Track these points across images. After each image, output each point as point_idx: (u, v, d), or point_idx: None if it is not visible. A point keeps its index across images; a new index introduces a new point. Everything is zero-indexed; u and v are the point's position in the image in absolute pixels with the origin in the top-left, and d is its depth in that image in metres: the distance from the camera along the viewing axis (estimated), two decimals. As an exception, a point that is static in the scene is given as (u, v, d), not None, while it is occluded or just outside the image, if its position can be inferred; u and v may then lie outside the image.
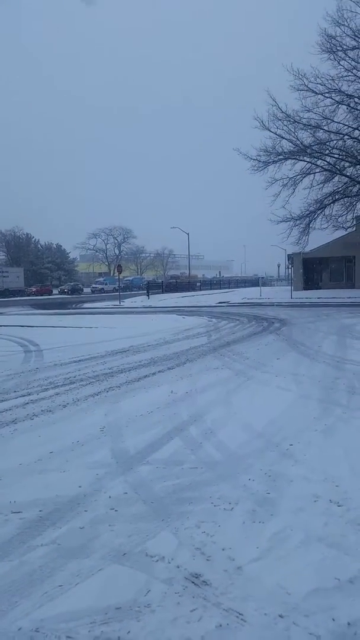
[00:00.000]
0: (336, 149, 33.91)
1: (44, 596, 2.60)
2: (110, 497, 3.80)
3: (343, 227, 35.52)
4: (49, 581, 2.73)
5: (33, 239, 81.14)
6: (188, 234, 60.39)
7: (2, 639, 2.31)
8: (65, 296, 58.90)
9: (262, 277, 72.63)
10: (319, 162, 34.43)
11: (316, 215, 34.92)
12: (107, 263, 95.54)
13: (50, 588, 2.67)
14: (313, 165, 34.42)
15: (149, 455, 4.69)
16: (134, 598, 2.60)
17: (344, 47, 30.79)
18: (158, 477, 4.17)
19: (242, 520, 3.41)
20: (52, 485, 4.01)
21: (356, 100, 31.87)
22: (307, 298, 31.65)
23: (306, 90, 31.85)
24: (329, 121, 32.86)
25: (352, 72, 31.23)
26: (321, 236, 37.19)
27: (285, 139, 33.53)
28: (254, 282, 71.16)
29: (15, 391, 7.63)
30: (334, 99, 32.07)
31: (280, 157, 33.87)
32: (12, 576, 2.77)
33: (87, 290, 68.07)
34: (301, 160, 34.33)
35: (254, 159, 34.16)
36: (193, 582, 2.73)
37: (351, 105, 32.15)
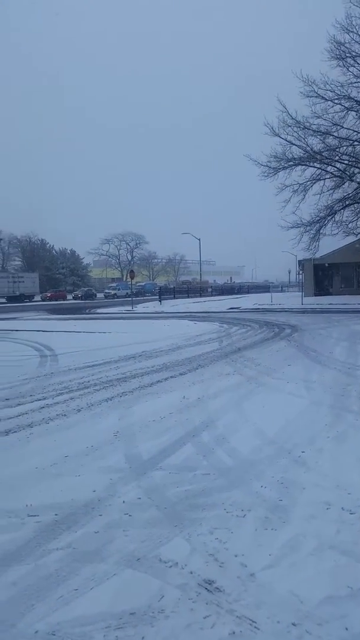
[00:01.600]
0: (346, 155, 33.85)
1: (59, 600, 2.65)
2: (124, 502, 3.84)
3: (354, 233, 35.41)
4: (64, 585, 2.77)
5: (48, 245, 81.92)
6: (199, 239, 60.53)
7: (19, 641, 2.35)
8: (79, 301, 59.29)
9: (273, 283, 72.48)
10: (329, 168, 34.40)
11: (326, 221, 34.84)
12: (119, 269, 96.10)
13: (65, 592, 2.71)
14: (323, 172, 34.40)
15: (161, 461, 4.72)
16: (148, 603, 2.63)
17: (353, 53, 30.81)
18: (171, 482, 4.21)
19: (255, 527, 3.43)
20: (67, 489, 4.06)
21: (366, 106, 31.80)
22: (318, 304, 31.51)
23: (316, 97, 31.88)
24: (338, 127, 32.85)
25: (361, 79, 31.20)
26: (332, 242, 37.08)
27: (295, 145, 33.56)
28: (265, 287, 70.98)
29: (31, 395, 7.73)
30: (344, 105, 32.06)
31: (290, 163, 33.87)
32: (29, 580, 2.82)
33: (100, 295, 68.47)
34: (311, 166, 34.30)
35: (264, 165, 34.22)
36: (206, 589, 2.76)
37: (360, 111, 32.10)
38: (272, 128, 33.15)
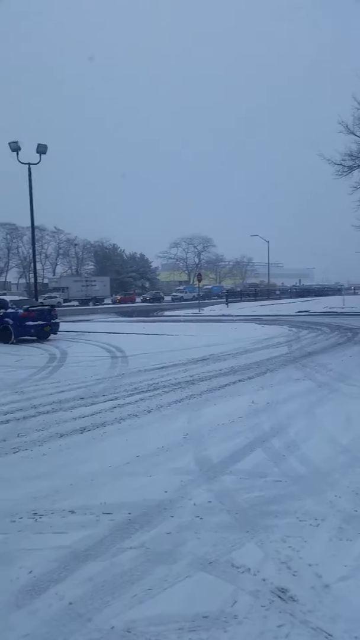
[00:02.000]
0: None
1: (134, 598, 2.70)
2: (195, 504, 3.86)
3: None
4: (138, 584, 2.82)
5: (119, 249, 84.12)
6: (268, 242, 59.80)
7: (95, 635, 2.42)
8: (147, 304, 60.29)
9: (343, 286, 70.19)
10: None
11: None
12: (187, 272, 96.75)
13: (139, 591, 2.76)
14: None
15: (231, 465, 4.70)
16: (220, 608, 2.63)
17: None
18: (241, 488, 4.18)
19: (329, 537, 3.34)
20: (140, 489, 4.14)
21: None
22: (394, 307, 30.09)
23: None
24: None
25: None
26: None
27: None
28: (337, 290, 68.86)
29: (103, 395, 7.96)
30: None
31: (366, 161, 32.62)
32: (104, 576, 2.90)
33: (167, 298, 69.22)
34: (389, 163, 32.86)
35: (338, 164, 33.17)
36: (280, 597, 2.71)
37: None
38: (347, 126, 32.09)
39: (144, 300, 65.35)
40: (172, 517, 3.65)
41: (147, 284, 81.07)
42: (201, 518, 3.63)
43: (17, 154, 22.61)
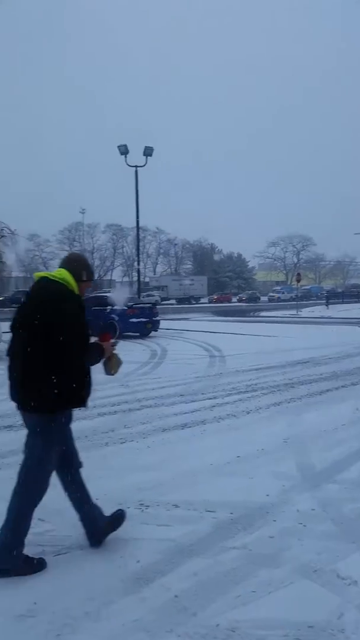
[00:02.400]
0: None
1: (237, 599, 2.70)
2: (298, 510, 3.79)
3: None
4: (242, 585, 2.82)
5: (216, 249, 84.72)
6: (374, 240, 56.81)
7: (201, 630, 2.47)
8: (243, 304, 59.99)
9: None
10: None
11: None
12: (284, 272, 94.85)
13: (243, 592, 2.76)
14: None
15: (335, 474, 4.56)
16: (326, 619, 2.55)
17: None
18: (347, 497, 4.04)
19: None
20: (241, 490, 4.14)
21: None
22: None
23: None
24: None
25: None
26: None
27: None
28: None
29: (202, 393, 8.08)
30: None
31: None
32: (209, 573, 2.93)
33: (264, 298, 68.38)
34: None
35: None
36: (390, 616, 2.59)
37: None
38: None
39: (239, 300, 65.12)
40: (274, 521, 3.61)
41: (243, 284, 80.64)
42: (304, 525, 3.56)
43: (126, 157, 23.53)
